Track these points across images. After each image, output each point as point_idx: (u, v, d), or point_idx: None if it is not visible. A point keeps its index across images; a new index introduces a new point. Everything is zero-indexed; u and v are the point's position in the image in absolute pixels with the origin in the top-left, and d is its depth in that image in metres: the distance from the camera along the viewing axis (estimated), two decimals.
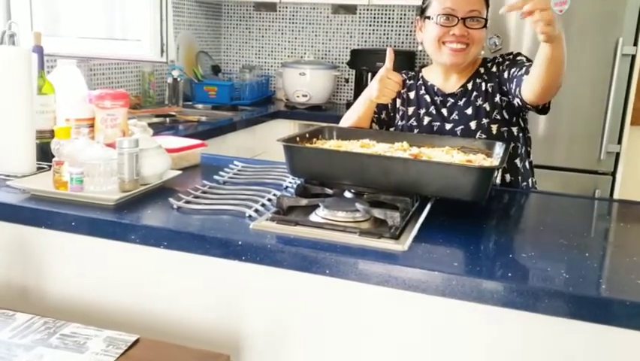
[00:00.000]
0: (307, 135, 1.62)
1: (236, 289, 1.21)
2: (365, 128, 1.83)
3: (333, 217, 1.24)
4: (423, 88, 1.84)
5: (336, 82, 3.71)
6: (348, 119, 1.87)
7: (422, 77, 1.87)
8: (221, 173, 1.62)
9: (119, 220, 1.24)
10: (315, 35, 3.86)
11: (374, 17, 3.73)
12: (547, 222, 1.44)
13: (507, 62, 1.74)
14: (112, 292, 1.31)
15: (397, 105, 1.86)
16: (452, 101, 1.79)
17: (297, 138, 1.56)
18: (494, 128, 1.70)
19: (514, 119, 1.74)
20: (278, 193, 1.42)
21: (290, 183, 1.55)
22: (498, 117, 1.71)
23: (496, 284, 1.00)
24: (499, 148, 1.53)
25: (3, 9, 2.29)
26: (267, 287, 1.19)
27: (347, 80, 3.77)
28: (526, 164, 1.80)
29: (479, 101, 1.74)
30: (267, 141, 3.17)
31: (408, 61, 3.47)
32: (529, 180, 1.80)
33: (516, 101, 1.66)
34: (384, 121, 1.89)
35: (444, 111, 1.79)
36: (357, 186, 1.40)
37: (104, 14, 2.99)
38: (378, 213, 1.23)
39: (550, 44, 1.40)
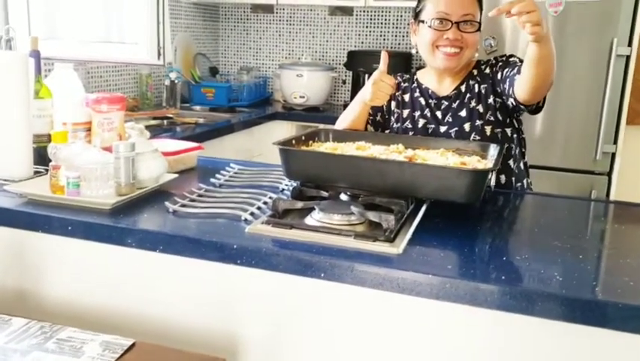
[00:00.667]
0: (303, 138, 1.62)
1: (232, 293, 1.22)
2: (360, 130, 1.84)
3: (329, 220, 1.25)
4: (417, 91, 1.85)
5: (334, 83, 3.72)
6: (343, 121, 1.88)
7: (417, 79, 1.88)
8: (217, 176, 1.62)
9: (116, 224, 1.24)
10: (312, 37, 3.87)
11: (370, 19, 3.74)
12: (542, 224, 1.44)
13: (500, 64, 1.75)
14: (108, 295, 1.31)
15: (392, 108, 1.87)
16: (446, 103, 1.79)
17: (293, 141, 1.56)
18: (488, 129, 1.71)
19: (508, 120, 1.75)
20: (274, 196, 1.43)
21: (286, 185, 1.56)
22: (492, 119, 1.72)
23: (490, 287, 1.01)
24: (493, 150, 1.54)
25: (1, 13, 2.29)
26: (263, 291, 1.19)
27: (344, 82, 3.78)
28: (521, 165, 1.81)
29: (473, 103, 1.75)
30: (265, 142, 3.17)
31: (404, 62, 3.48)
32: (524, 181, 1.81)
33: (510, 101, 1.68)
34: (379, 123, 1.89)
35: (438, 114, 1.79)
36: (352, 188, 1.41)
37: (101, 18, 2.99)
38: (373, 216, 1.23)
39: (538, 44, 1.41)
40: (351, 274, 1.08)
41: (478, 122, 1.72)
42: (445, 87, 1.81)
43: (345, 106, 3.56)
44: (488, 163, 1.46)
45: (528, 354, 1.05)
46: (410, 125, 1.81)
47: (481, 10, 1.75)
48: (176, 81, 3.20)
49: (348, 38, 3.80)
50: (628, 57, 2.67)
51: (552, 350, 1.04)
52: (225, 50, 4.08)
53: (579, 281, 1.03)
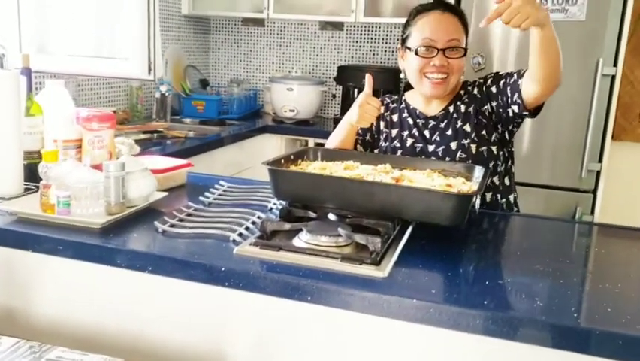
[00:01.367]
0: (292, 157, 1.64)
1: (220, 314, 1.23)
2: (349, 150, 1.87)
3: (316, 242, 1.27)
4: (405, 111, 1.88)
5: (324, 97, 3.75)
6: (332, 142, 1.90)
7: (404, 100, 1.91)
8: (206, 194, 1.64)
9: (105, 245, 1.25)
10: (303, 51, 3.90)
11: (360, 34, 3.77)
12: (525, 247, 1.47)
13: (490, 79, 1.78)
14: (98, 315, 1.32)
15: (381, 128, 1.90)
16: (434, 123, 1.83)
17: (282, 160, 1.58)
18: (474, 148, 1.74)
19: (494, 137, 1.77)
20: (262, 216, 1.45)
21: (274, 204, 1.58)
22: (476, 138, 1.75)
23: (472, 312, 1.03)
24: (478, 172, 1.57)
25: None
26: (251, 312, 1.21)
27: (334, 96, 3.81)
28: (506, 180, 1.83)
29: (459, 123, 1.78)
30: (255, 155, 3.19)
31: (393, 78, 3.50)
32: (510, 197, 1.84)
33: (512, 109, 1.69)
34: (368, 143, 1.92)
35: (426, 133, 1.82)
36: (340, 209, 1.43)
37: (92, 33, 3.00)
38: (359, 238, 1.25)
39: (540, 28, 1.44)
40: (338, 298, 1.10)
41: (465, 141, 1.75)
42: (432, 108, 1.85)
43: (335, 120, 3.61)
44: (473, 185, 1.48)
45: None
46: (399, 145, 1.84)
47: (466, 34, 1.78)
48: (166, 94, 3.21)
49: (338, 53, 3.84)
50: (613, 77, 2.72)
51: None
52: (216, 62, 4.10)
53: (559, 307, 1.06)
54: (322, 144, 3.21)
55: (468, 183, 1.51)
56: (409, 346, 1.13)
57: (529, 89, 1.60)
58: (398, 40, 3.68)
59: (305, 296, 1.11)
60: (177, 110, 3.48)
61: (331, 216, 1.44)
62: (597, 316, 1.04)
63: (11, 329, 1.24)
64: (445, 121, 1.81)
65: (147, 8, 2.67)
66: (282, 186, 1.47)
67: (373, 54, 3.76)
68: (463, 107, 1.79)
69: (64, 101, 1.76)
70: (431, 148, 1.79)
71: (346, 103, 3.61)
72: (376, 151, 1.91)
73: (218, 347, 1.24)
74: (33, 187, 1.55)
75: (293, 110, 3.50)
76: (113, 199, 1.40)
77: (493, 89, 1.74)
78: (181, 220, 1.41)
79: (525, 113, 1.67)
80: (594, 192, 2.84)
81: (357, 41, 3.79)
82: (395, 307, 1.07)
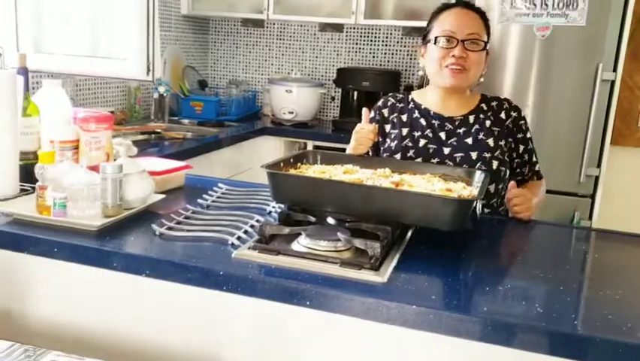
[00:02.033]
0: (291, 160, 1.63)
1: (217, 318, 1.22)
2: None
3: (315, 246, 1.26)
4: (417, 111, 1.87)
5: (323, 100, 3.74)
6: None
7: (412, 99, 1.90)
8: (204, 196, 1.63)
9: (102, 247, 1.24)
10: (302, 52, 3.89)
11: (360, 36, 3.77)
12: (524, 253, 1.47)
13: (526, 132, 1.87)
14: (93, 318, 1.31)
15: (387, 130, 1.89)
16: (450, 126, 1.82)
17: (282, 164, 1.57)
18: (495, 164, 1.76)
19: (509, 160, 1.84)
20: (261, 219, 1.44)
21: (273, 208, 1.57)
22: (500, 156, 1.77)
23: (472, 319, 1.02)
24: (478, 177, 1.56)
25: None
26: (249, 317, 1.20)
27: (333, 98, 3.80)
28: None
29: (481, 135, 1.79)
30: (254, 157, 3.18)
31: (392, 80, 3.51)
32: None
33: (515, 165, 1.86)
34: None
35: (442, 135, 1.82)
36: (339, 213, 1.42)
37: (90, 32, 2.98)
38: (359, 243, 1.24)
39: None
40: (337, 303, 1.09)
41: (487, 155, 1.76)
42: (449, 109, 1.85)
43: (334, 122, 3.60)
44: (474, 190, 1.47)
45: None
46: (410, 144, 1.82)
47: (488, 32, 1.80)
48: (164, 94, 3.20)
49: (337, 55, 3.83)
50: (613, 82, 2.72)
51: None
52: (215, 63, 4.09)
53: (559, 314, 1.05)
54: (320, 147, 3.22)
55: (468, 187, 1.50)
56: (408, 352, 1.12)
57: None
58: (398, 42, 3.69)
59: (303, 301, 1.10)
60: (175, 111, 3.46)
61: (330, 221, 1.43)
62: (598, 323, 1.03)
63: (6, 331, 1.23)
64: (464, 128, 1.81)
65: (146, 8, 2.66)
66: (281, 190, 1.46)
67: (373, 56, 3.76)
68: (487, 123, 1.81)
69: (62, 101, 1.74)
70: (447, 151, 1.79)
71: (345, 105, 3.61)
72: (384, 148, 1.89)
73: (215, 352, 1.23)
74: (29, 188, 1.54)
75: (292, 112, 3.49)
76: (110, 201, 1.38)
77: (521, 148, 1.85)
78: (179, 223, 1.40)
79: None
80: (592, 197, 2.83)
81: (357, 43, 3.78)
82: (394, 312, 1.06)
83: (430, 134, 1.82)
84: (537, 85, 2.79)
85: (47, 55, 2.61)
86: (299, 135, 3.43)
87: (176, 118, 3.38)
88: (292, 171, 1.57)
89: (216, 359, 1.23)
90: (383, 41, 3.73)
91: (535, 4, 2.70)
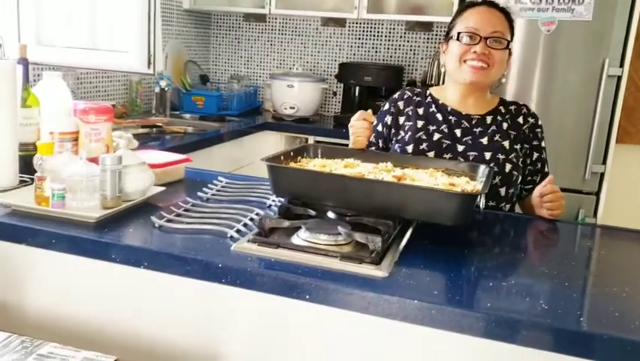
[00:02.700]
0: (292, 154, 1.61)
1: (216, 311, 1.21)
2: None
3: (315, 240, 1.24)
4: (434, 106, 1.86)
5: (324, 95, 3.72)
6: None
7: (431, 94, 1.89)
8: (204, 189, 1.61)
9: (100, 239, 1.22)
10: (304, 47, 3.87)
11: (363, 31, 3.74)
12: (529, 249, 1.44)
13: (535, 143, 1.84)
14: (91, 310, 1.30)
15: (401, 122, 1.87)
16: (467, 124, 1.81)
17: (282, 157, 1.55)
18: (508, 167, 1.74)
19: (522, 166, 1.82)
20: (261, 213, 1.42)
21: (273, 201, 1.55)
22: (514, 160, 1.75)
23: (475, 315, 1.00)
24: (482, 171, 1.54)
25: None
26: (248, 310, 1.18)
27: (335, 93, 3.78)
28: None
29: (497, 137, 1.77)
30: (254, 152, 3.17)
31: (395, 76, 3.49)
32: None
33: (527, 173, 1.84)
34: (382, 149, 1.90)
35: (457, 132, 1.80)
36: (339, 207, 1.40)
37: (92, 25, 2.97)
38: (359, 237, 1.22)
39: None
40: (337, 297, 1.07)
41: (501, 157, 1.74)
42: (468, 107, 1.83)
43: (336, 118, 3.58)
44: (477, 185, 1.45)
45: None
46: (424, 137, 1.80)
47: (511, 31, 1.79)
48: (166, 89, 3.18)
49: (340, 50, 3.81)
50: (619, 78, 2.69)
51: None
52: (216, 57, 4.07)
53: (564, 310, 1.03)
54: (322, 142, 3.20)
55: (472, 182, 1.48)
56: (409, 347, 1.10)
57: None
58: (401, 37, 3.66)
59: (303, 295, 1.09)
60: (177, 106, 3.45)
61: (331, 215, 1.41)
62: (604, 320, 1.01)
63: (3, 323, 1.21)
64: (481, 128, 1.79)
65: (148, 1, 2.65)
66: (281, 183, 1.44)
67: (376, 51, 3.73)
68: (504, 125, 1.80)
69: (62, 93, 1.72)
70: (461, 148, 1.77)
71: (347, 101, 3.59)
72: (396, 139, 1.87)
73: (213, 345, 1.21)
74: (28, 179, 1.52)
75: (293, 108, 3.48)
76: (108, 193, 1.37)
77: (535, 155, 1.83)
78: (178, 215, 1.38)
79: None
80: (597, 194, 2.81)
81: (359, 38, 3.76)
82: (395, 307, 1.04)
83: (446, 130, 1.80)
84: (542, 81, 2.77)
85: (48, 47, 2.60)
86: (300, 130, 3.42)
87: (177, 112, 3.37)
88: (293, 165, 1.56)
89: (215, 352, 1.21)
90: (386, 36, 3.71)
91: None
